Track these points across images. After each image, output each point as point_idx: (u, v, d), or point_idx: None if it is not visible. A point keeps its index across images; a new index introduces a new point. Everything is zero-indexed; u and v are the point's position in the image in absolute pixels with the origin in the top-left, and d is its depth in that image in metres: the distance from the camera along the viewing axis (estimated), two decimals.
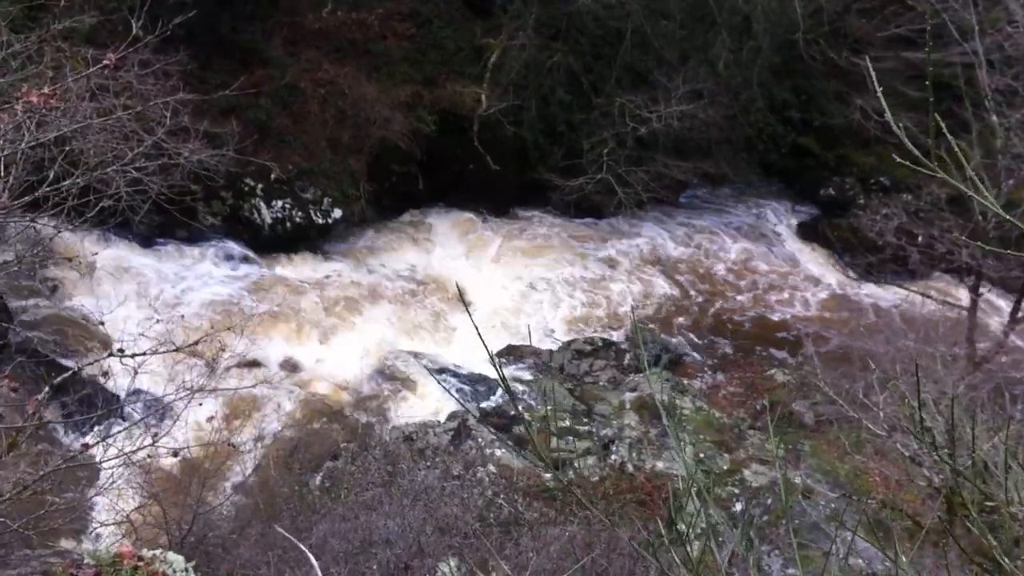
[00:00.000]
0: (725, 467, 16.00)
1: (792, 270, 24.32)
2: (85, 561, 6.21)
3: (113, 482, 10.36)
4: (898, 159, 2.96)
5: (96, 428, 13.44)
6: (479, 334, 3.12)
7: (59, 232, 9.93)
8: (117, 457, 8.71)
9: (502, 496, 14.11)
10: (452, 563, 9.55)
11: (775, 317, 22.56)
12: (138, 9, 9.65)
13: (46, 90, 7.93)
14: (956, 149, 3.04)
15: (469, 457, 15.35)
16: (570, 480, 15.16)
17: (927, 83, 2.51)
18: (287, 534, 7.24)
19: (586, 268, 23.14)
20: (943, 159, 2.99)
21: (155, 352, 8.72)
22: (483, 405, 17.89)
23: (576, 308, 21.97)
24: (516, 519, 13.37)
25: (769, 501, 14.92)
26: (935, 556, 9.72)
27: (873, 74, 3.00)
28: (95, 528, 12.00)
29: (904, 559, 3.58)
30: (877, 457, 14.67)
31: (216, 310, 18.66)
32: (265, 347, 18.26)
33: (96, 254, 17.38)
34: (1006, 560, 3.63)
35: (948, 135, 3.04)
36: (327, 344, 19.29)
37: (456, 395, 18.28)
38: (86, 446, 7.87)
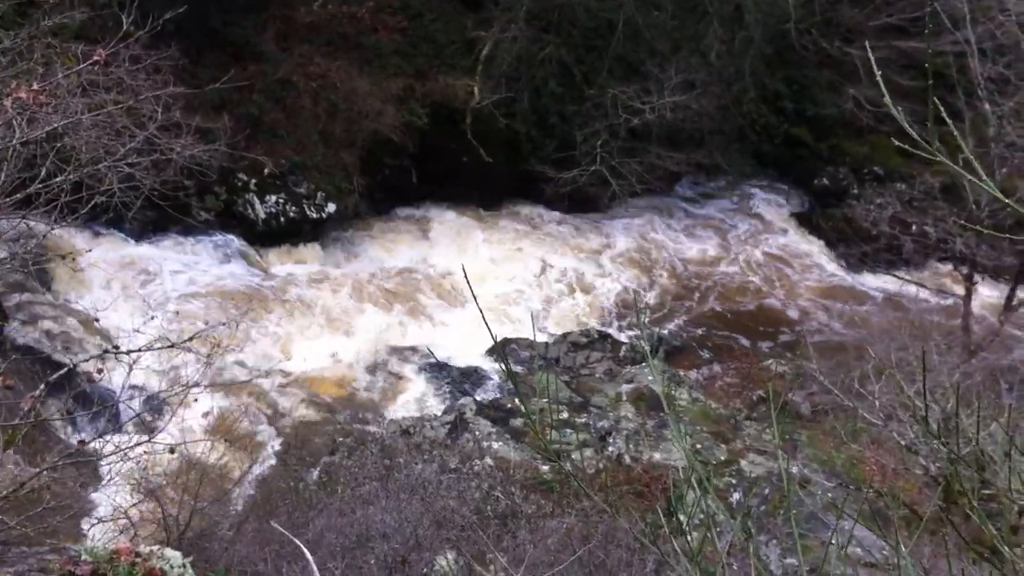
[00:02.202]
0: (722, 458, 16.01)
1: (786, 260, 24.33)
2: (82, 558, 6.19)
3: (110, 478, 10.34)
4: (896, 142, 2.95)
5: (92, 425, 13.43)
6: (484, 319, 3.09)
7: (52, 229, 9.90)
8: (114, 453, 8.70)
9: (499, 489, 14.11)
10: (449, 556, 9.55)
11: (770, 307, 22.57)
12: (128, 4, 9.62)
13: (35, 86, 7.90)
14: (956, 134, 3.03)
15: (466, 450, 15.34)
16: (568, 472, 15.15)
17: (926, 65, 2.50)
18: (283, 530, 7.23)
19: (580, 260, 23.13)
20: (938, 146, 2.97)
21: (150, 348, 8.70)
22: (479, 398, 17.89)
23: (571, 300, 21.98)
24: (513, 512, 13.36)
25: (766, 491, 14.93)
26: (933, 544, 9.74)
27: (872, 58, 2.98)
28: (92, 525, 11.97)
29: (903, 548, 3.57)
30: (873, 446, 14.69)
31: (211, 306, 18.62)
32: (260, 342, 18.23)
33: (90, 251, 17.31)
34: (1005, 547, 3.63)
35: (948, 119, 3.03)
36: (322, 338, 19.26)
37: (452, 387, 18.29)
38: (82, 443, 7.86)
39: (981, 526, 3.81)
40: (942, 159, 2.76)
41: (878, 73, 2.75)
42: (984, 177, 3.08)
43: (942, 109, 2.83)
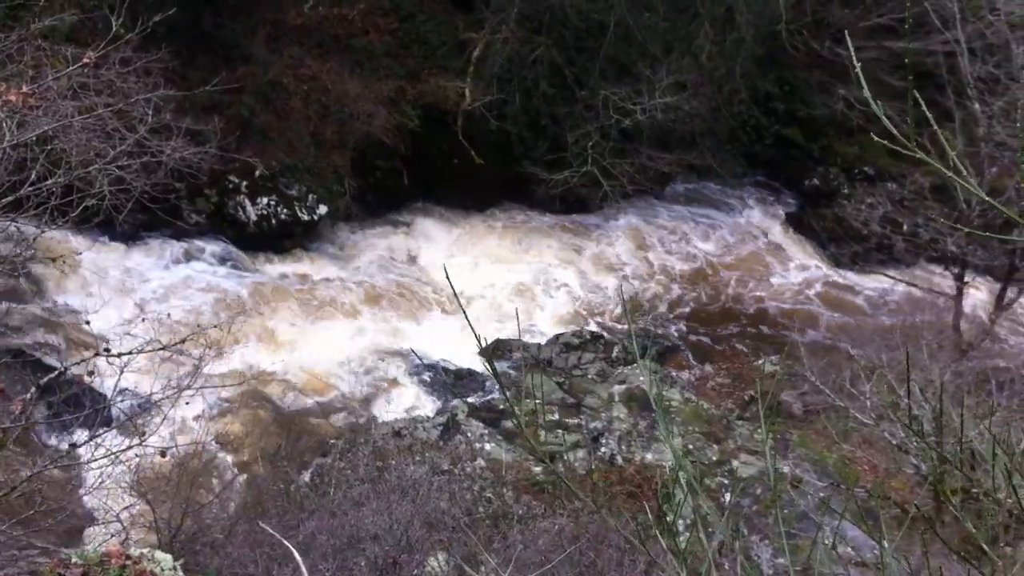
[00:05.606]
0: (714, 458, 16.04)
1: (778, 261, 24.38)
2: (73, 561, 6.19)
3: (101, 482, 10.32)
4: (876, 137, 2.97)
5: (83, 428, 13.39)
6: (470, 323, 3.10)
7: (42, 232, 9.90)
8: (105, 457, 8.69)
9: (490, 490, 14.12)
10: (440, 558, 9.55)
11: (762, 308, 22.61)
12: (118, 7, 9.62)
13: (25, 89, 7.90)
14: (938, 132, 3.05)
15: (458, 452, 15.35)
16: (557, 473, 15.17)
17: (906, 60, 2.52)
18: (273, 531, 7.23)
19: (572, 261, 23.14)
20: (926, 146, 2.99)
21: (141, 351, 8.70)
22: (471, 400, 17.88)
23: (563, 301, 21.98)
24: (505, 513, 13.37)
25: (758, 491, 14.96)
26: (923, 544, 9.75)
27: (854, 54, 3.00)
28: (84, 528, 11.96)
29: (887, 544, 3.59)
30: (865, 446, 14.73)
31: (202, 308, 18.59)
32: (252, 345, 18.20)
33: (80, 254, 17.31)
34: (989, 549, 3.65)
35: (930, 118, 3.05)
36: (314, 341, 19.23)
37: (444, 389, 18.28)
38: (73, 446, 7.85)
39: (966, 526, 3.84)
40: (922, 156, 2.78)
41: (857, 65, 2.76)
42: (967, 177, 3.09)
43: (923, 105, 2.85)
